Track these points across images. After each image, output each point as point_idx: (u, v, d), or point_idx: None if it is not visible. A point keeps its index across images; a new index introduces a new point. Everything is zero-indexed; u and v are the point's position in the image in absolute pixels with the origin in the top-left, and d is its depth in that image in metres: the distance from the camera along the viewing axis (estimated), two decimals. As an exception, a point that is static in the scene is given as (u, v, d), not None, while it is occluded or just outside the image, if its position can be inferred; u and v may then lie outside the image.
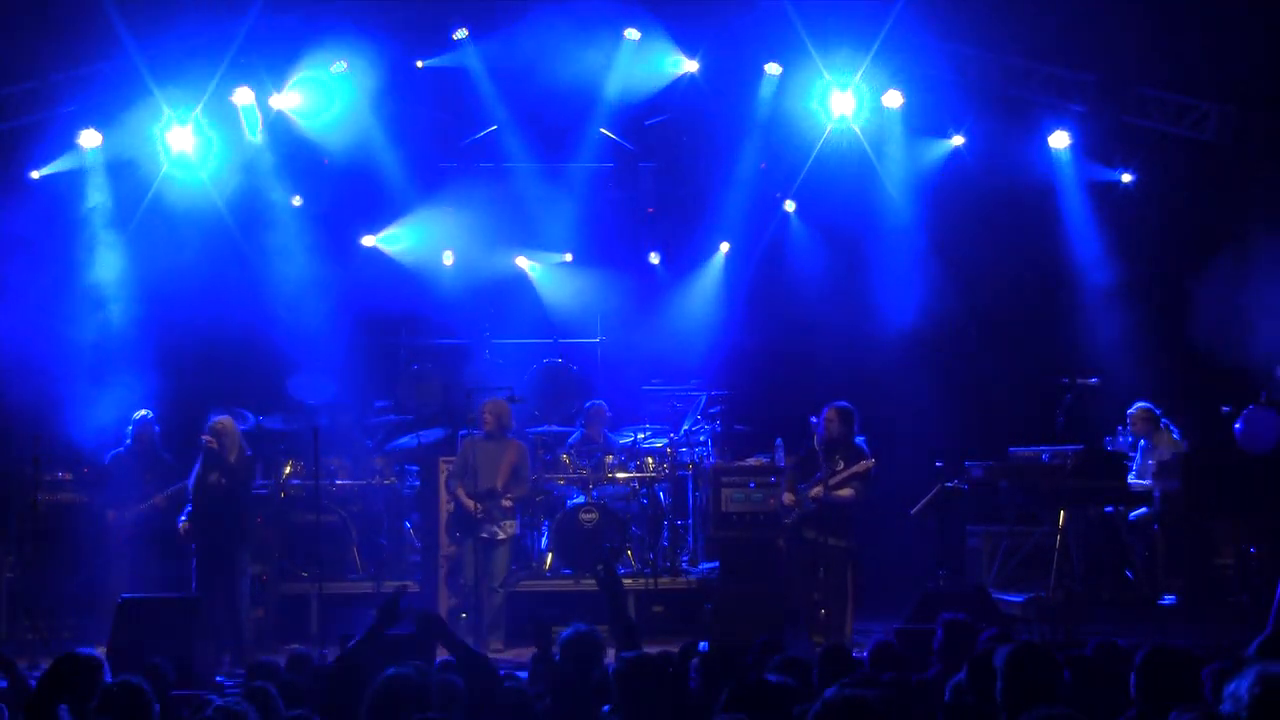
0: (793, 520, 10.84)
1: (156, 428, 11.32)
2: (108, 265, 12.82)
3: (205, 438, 10.41)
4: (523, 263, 15.02)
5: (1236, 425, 10.96)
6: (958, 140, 13.76)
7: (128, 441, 11.28)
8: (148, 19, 12.15)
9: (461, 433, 11.71)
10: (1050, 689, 4.76)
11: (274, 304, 13.40)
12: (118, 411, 11.46)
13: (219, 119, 12.98)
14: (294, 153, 13.56)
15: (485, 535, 10.94)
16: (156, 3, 12.28)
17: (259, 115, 13.14)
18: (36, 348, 11.98)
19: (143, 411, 11.31)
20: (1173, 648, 5.29)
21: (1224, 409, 11.80)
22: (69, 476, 11.63)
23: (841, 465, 10.56)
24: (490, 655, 9.99)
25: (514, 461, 11.11)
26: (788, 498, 10.83)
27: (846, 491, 10.60)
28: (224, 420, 10.57)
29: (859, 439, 10.78)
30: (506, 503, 11.04)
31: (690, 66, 13.42)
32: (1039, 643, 5.11)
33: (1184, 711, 4.50)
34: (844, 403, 10.83)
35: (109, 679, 5.70)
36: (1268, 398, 11.32)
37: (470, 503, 10.92)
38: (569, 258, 15.04)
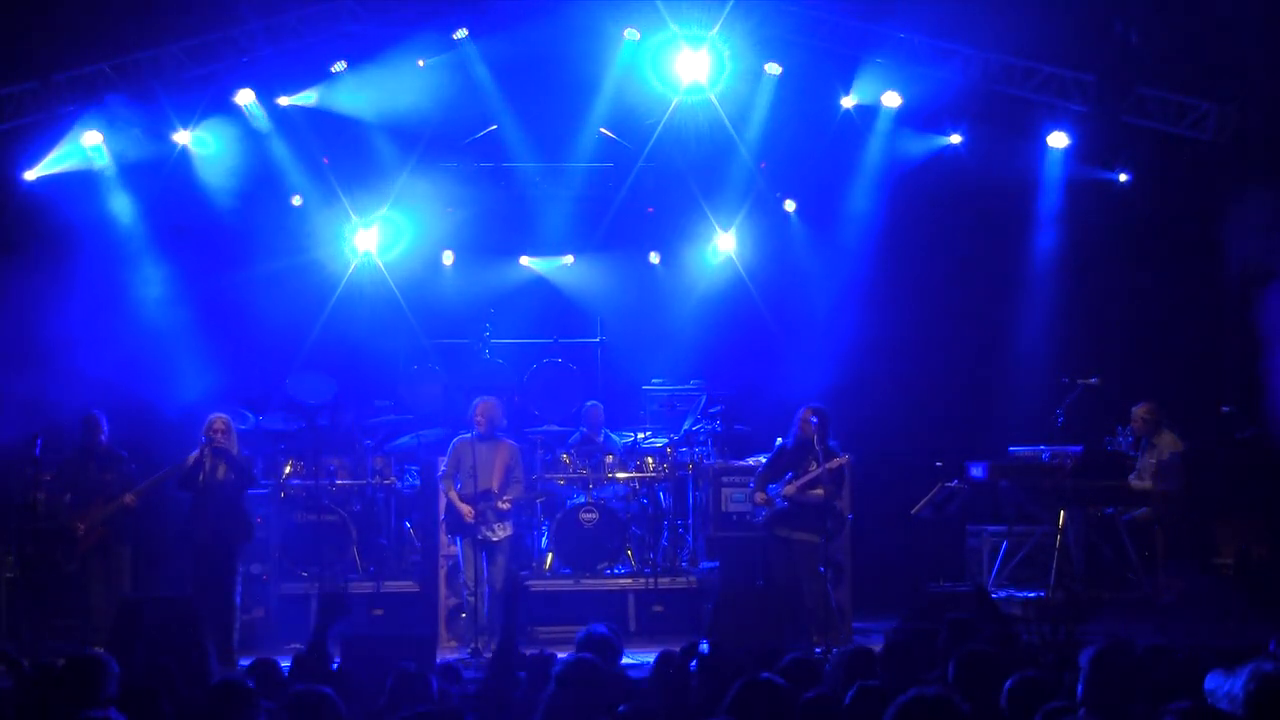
0: (764, 519, 10.82)
1: (105, 427, 10.94)
2: (113, 264, 12.83)
3: (209, 435, 10.42)
4: (525, 263, 15.04)
5: None
6: (956, 139, 13.75)
7: (77, 443, 10.97)
8: (149, 19, 12.15)
9: (454, 433, 11.66)
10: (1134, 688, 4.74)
11: (276, 304, 13.41)
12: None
13: (221, 118, 13.00)
14: (294, 152, 13.55)
15: (480, 537, 10.82)
16: (157, 3, 12.28)
17: (263, 114, 13.16)
18: (38, 345, 12.01)
19: (90, 412, 10.96)
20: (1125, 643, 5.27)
21: (1224, 409, 11.82)
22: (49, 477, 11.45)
23: (814, 466, 10.56)
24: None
25: (507, 462, 10.95)
26: (759, 497, 10.82)
27: (818, 491, 10.58)
28: (224, 417, 10.60)
29: (833, 442, 10.76)
30: (504, 505, 10.88)
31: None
32: (1126, 641, 5.09)
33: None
34: (818, 403, 10.86)
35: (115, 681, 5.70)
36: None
37: (464, 506, 10.79)
38: (570, 260, 15.05)
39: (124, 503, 10.71)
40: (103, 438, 10.90)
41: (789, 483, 10.64)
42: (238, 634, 10.50)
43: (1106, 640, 5.09)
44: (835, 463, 10.57)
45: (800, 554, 10.65)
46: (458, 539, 11.04)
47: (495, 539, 10.85)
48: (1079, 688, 4.82)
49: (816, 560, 10.68)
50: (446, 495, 10.93)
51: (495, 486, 10.83)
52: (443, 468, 11.12)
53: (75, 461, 10.90)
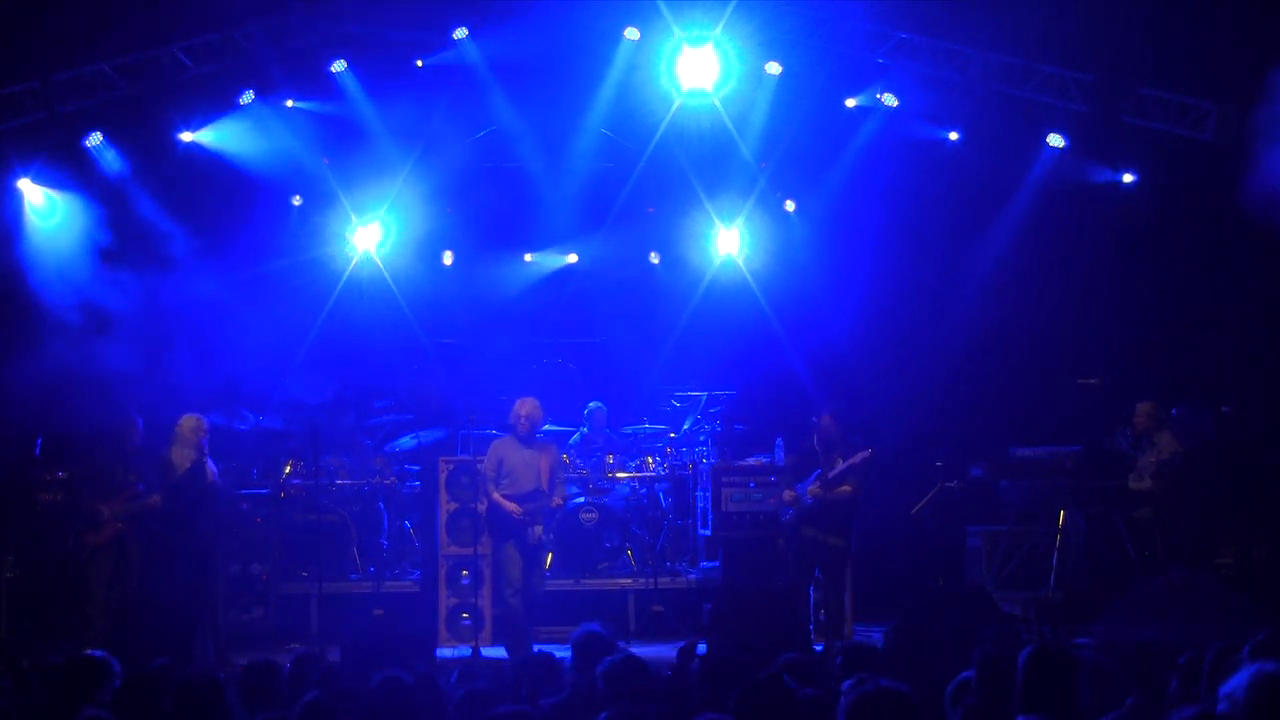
0: (791, 519, 10.87)
1: (141, 429, 10.79)
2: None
3: (200, 437, 10.44)
4: (529, 260, 15.05)
5: None
6: (955, 138, 13.74)
7: (109, 443, 10.80)
8: (149, 19, 12.16)
9: (493, 432, 11.61)
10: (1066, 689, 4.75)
11: (276, 304, 13.41)
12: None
13: (221, 118, 13.02)
14: (294, 151, 13.54)
15: (532, 540, 10.67)
16: (157, 3, 12.29)
17: (263, 114, 13.17)
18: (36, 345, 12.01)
19: (127, 413, 10.82)
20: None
21: (1224, 409, 11.80)
22: (67, 475, 11.43)
23: (840, 463, 10.61)
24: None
25: (553, 464, 10.87)
26: (787, 495, 10.87)
27: (845, 488, 10.62)
28: (201, 418, 10.60)
29: (854, 437, 10.82)
30: (558, 501, 10.87)
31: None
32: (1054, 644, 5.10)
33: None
34: (834, 406, 10.92)
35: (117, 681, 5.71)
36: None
37: (512, 505, 10.65)
38: (574, 258, 15.05)
39: (151, 503, 10.54)
40: (137, 440, 10.75)
41: (815, 481, 10.67)
42: (225, 632, 10.50)
43: (1040, 642, 5.11)
44: (859, 456, 10.61)
45: (825, 556, 10.71)
46: (500, 542, 10.84)
47: (537, 540, 10.77)
48: (1017, 690, 4.83)
49: (843, 563, 10.78)
50: (490, 496, 10.76)
51: (545, 486, 10.74)
52: (483, 469, 10.92)
53: (105, 462, 10.67)
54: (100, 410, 11.19)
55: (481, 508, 10.97)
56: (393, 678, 5.09)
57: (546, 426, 13.07)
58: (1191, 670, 5.27)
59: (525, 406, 10.89)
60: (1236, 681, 3.87)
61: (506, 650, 10.71)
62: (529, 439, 10.86)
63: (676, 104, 13.38)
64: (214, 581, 10.52)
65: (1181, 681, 5.26)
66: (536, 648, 9.71)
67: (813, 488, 10.69)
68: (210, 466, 10.54)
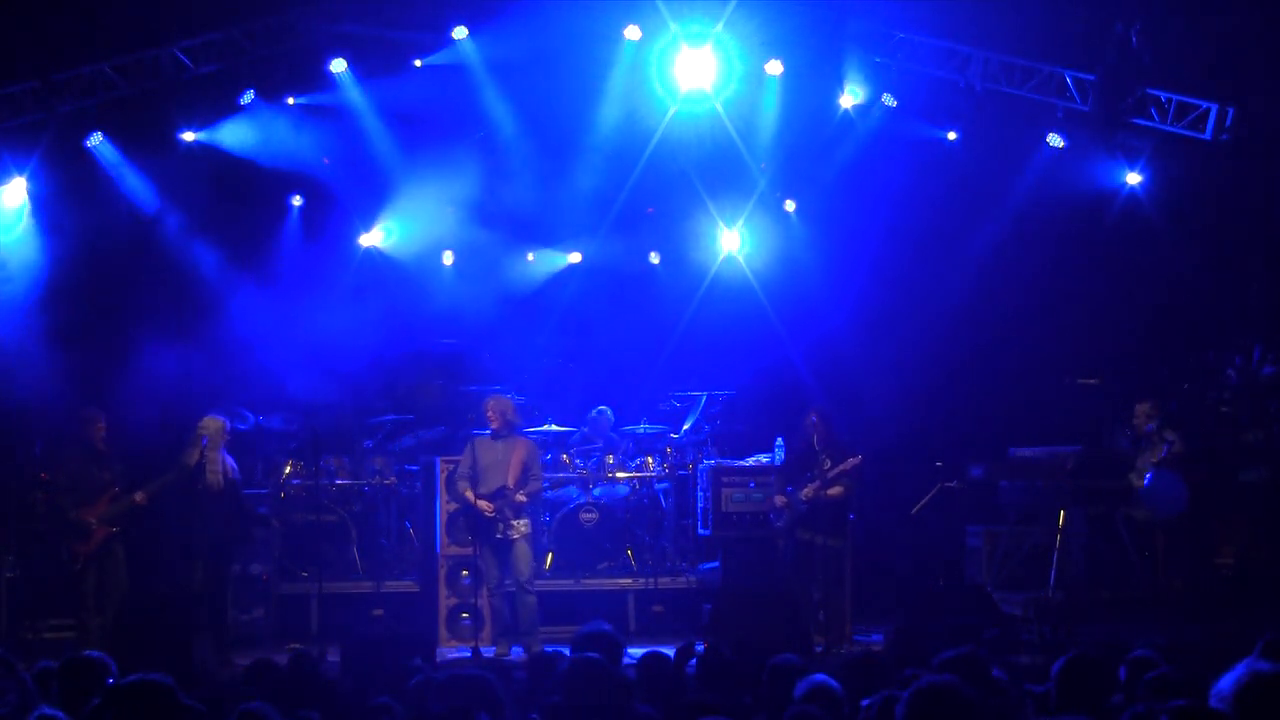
0: (785, 522, 10.87)
1: (104, 424, 10.63)
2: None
3: (211, 437, 10.43)
4: (530, 261, 15.04)
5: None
6: (954, 137, 13.72)
7: (76, 441, 10.66)
8: (149, 19, 12.17)
9: (474, 432, 11.61)
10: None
11: (278, 304, 13.41)
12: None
13: (222, 118, 13.03)
14: (295, 151, 13.53)
15: (499, 536, 10.60)
16: (157, 3, 12.30)
17: (263, 113, 13.17)
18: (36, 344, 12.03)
19: (88, 410, 10.70)
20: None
21: (1223, 409, 11.80)
22: (49, 479, 11.19)
23: (829, 464, 10.62)
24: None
25: (524, 459, 10.73)
26: (779, 500, 10.89)
27: (836, 490, 10.64)
28: (221, 419, 10.58)
29: (844, 438, 10.83)
30: (520, 498, 10.62)
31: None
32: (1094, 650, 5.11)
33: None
34: (823, 404, 10.94)
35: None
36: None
37: (484, 504, 10.57)
38: (577, 258, 15.04)
39: (134, 501, 10.48)
40: (102, 434, 10.65)
41: (808, 484, 10.68)
42: (230, 633, 10.49)
43: (1076, 650, 5.09)
44: (849, 463, 10.62)
45: (826, 558, 10.72)
46: (476, 542, 10.77)
47: (515, 536, 10.63)
48: (1051, 694, 4.81)
49: (842, 565, 10.78)
50: (461, 495, 10.73)
51: (511, 483, 10.64)
52: (455, 469, 10.92)
53: (75, 459, 10.61)
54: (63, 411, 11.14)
55: (451, 507, 11.00)
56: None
57: (549, 426, 13.08)
58: (1140, 670, 5.25)
59: (491, 404, 10.91)
60: (1227, 680, 3.86)
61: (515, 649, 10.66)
62: (499, 436, 10.81)
63: (676, 105, 13.35)
64: (221, 582, 10.48)
65: (1129, 681, 5.24)
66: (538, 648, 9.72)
67: (806, 490, 10.70)
68: (229, 464, 10.49)
